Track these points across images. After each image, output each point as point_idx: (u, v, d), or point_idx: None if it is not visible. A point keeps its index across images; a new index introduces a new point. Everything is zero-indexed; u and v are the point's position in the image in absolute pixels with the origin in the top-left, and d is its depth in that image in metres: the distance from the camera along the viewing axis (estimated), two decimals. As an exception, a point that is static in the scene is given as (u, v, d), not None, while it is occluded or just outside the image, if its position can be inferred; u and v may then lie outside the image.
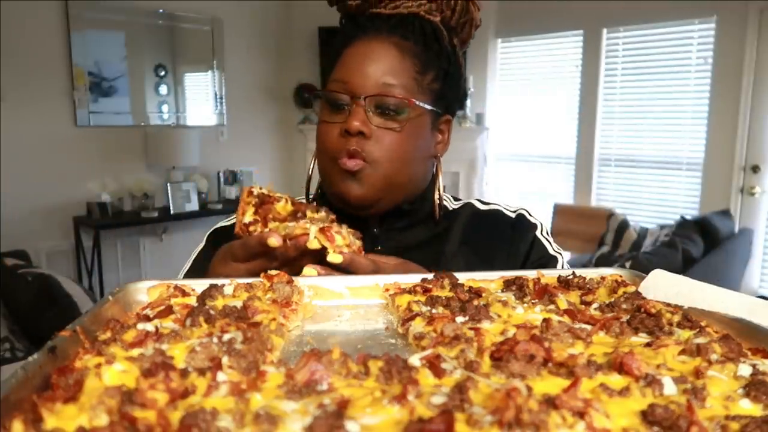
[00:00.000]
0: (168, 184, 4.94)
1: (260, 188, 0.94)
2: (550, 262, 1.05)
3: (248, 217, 0.90)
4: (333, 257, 0.83)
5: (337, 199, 1.00)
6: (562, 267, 1.05)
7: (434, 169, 1.08)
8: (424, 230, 1.07)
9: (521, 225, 1.09)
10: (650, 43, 4.70)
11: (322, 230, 0.85)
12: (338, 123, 0.96)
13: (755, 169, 4.31)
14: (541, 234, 1.08)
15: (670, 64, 4.60)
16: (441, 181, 1.08)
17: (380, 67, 0.95)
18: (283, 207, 0.91)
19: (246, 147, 5.73)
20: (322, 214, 0.92)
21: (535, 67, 5.41)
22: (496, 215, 1.11)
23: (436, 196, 1.07)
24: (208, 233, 1.12)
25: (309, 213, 0.91)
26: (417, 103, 0.96)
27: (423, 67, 0.98)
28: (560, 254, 1.07)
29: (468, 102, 5.29)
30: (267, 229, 0.87)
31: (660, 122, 4.72)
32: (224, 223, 1.12)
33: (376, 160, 0.95)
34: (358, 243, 0.89)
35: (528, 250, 1.06)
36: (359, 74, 0.95)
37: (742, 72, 4.22)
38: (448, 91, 1.03)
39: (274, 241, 0.82)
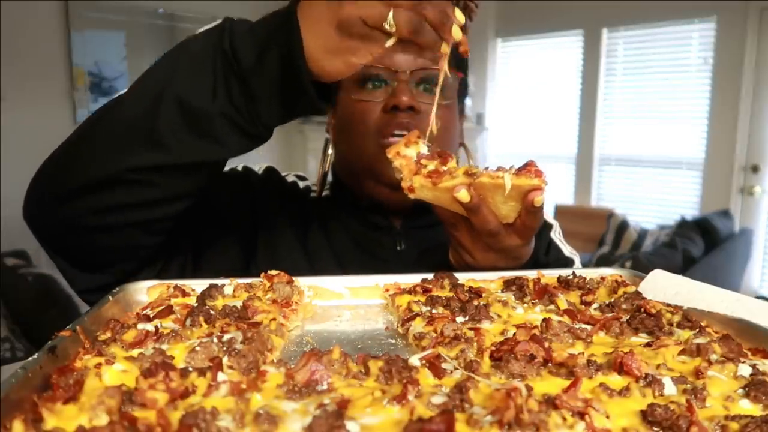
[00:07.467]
0: (168, 184, 4.93)
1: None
2: (567, 264, 1.01)
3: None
4: (462, 195, 0.71)
5: (376, 181, 0.92)
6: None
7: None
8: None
9: None
10: (650, 42, 4.70)
11: (467, 175, 0.72)
12: (378, 101, 0.90)
13: (755, 169, 4.31)
14: (555, 234, 1.05)
15: (670, 63, 4.60)
16: None
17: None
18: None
19: (246, 147, 5.72)
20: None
21: (535, 67, 5.41)
22: None
23: None
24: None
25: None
26: (461, 75, 0.92)
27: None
28: (575, 255, 1.04)
29: (468, 102, 5.28)
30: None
31: (660, 122, 4.72)
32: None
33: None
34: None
35: (545, 251, 1.03)
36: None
37: (742, 72, 4.22)
38: (462, 81, 1.00)
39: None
